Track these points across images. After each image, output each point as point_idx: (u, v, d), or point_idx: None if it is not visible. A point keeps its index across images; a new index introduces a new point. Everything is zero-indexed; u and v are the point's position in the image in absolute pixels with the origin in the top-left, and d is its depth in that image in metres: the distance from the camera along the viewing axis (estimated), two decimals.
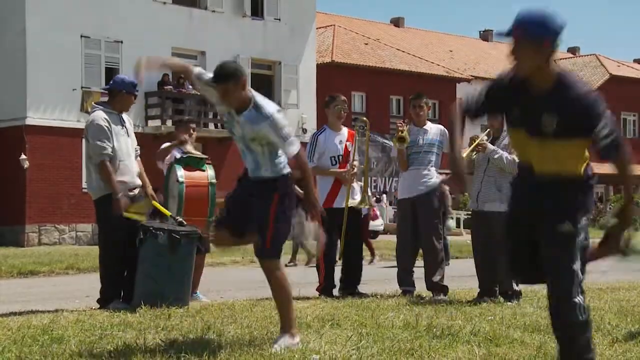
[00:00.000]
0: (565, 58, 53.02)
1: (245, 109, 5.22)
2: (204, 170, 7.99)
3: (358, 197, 8.66)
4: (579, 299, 3.90)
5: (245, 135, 5.27)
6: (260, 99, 5.31)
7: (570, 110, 3.93)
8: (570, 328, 3.98)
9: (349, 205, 8.40)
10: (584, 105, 3.93)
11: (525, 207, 4.18)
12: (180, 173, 7.76)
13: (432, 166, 8.46)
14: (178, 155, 8.20)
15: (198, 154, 8.43)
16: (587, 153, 4.12)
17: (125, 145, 7.43)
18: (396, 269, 8.84)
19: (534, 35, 3.89)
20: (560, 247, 3.96)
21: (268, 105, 5.26)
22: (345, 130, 8.59)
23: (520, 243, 4.23)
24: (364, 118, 9.29)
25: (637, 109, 50.50)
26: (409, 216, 8.58)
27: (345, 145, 8.47)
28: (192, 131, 8.70)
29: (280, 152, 5.33)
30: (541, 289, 8.16)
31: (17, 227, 25.11)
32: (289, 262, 15.40)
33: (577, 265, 3.94)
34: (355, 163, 8.53)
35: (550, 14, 3.92)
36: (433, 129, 8.59)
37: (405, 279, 8.62)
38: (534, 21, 3.90)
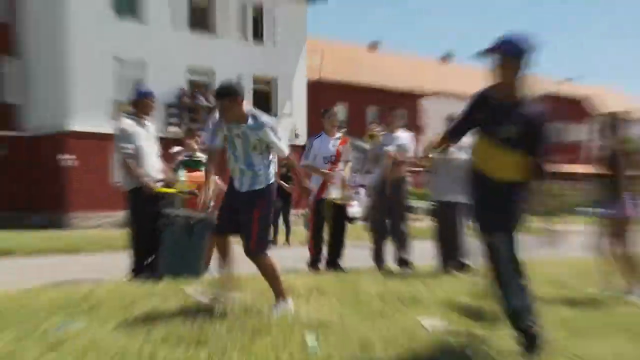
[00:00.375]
0: None
1: (244, 122, 5.24)
2: (201, 170, 8.12)
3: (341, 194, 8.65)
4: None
5: (247, 144, 5.28)
6: (256, 111, 5.34)
7: (528, 123, 3.91)
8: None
9: (333, 200, 8.44)
10: (540, 121, 3.94)
11: (486, 204, 4.13)
12: (182, 173, 8.08)
13: None
14: (180, 158, 8.40)
15: (199, 156, 8.41)
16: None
17: (147, 146, 7.47)
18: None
19: (516, 52, 3.88)
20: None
21: (263, 116, 5.30)
22: (339, 136, 8.63)
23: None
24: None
25: (567, 118, 50.66)
26: (381, 204, 8.64)
27: (338, 149, 8.51)
28: (197, 137, 8.68)
29: (271, 161, 5.36)
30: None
31: (61, 214, 25.14)
32: (284, 243, 15.42)
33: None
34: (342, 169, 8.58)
35: (529, 37, 3.92)
36: (402, 136, 8.66)
37: (378, 256, 8.67)
38: (516, 40, 3.89)
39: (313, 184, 8.38)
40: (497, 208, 3.98)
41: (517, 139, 3.92)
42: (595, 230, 6.58)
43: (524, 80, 3.99)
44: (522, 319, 3.95)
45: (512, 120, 3.93)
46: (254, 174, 5.29)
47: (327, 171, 8.38)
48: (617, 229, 6.42)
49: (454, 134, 4.36)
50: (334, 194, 8.44)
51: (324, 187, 8.40)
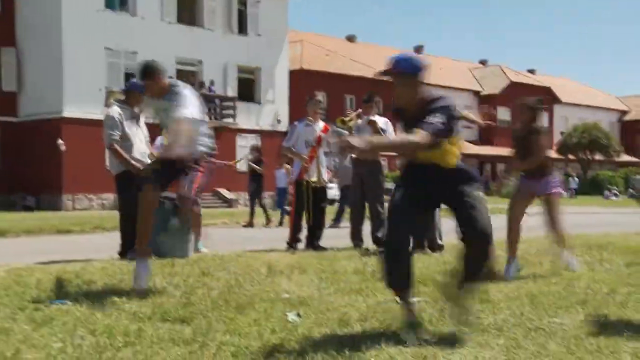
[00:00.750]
0: (477, 68, 53.22)
1: (163, 96, 5.19)
2: None
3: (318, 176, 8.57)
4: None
5: (168, 117, 5.15)
6: (177, 86, 5.24)
7: (442, 115, 3.75)
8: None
9: (314, 181, 8.38)
10: (448, 112, 3.78)
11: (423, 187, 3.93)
12: None
13: None
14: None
15: None
16: (456, 150, 3.91)
17: (136, 132, 7.38)
18: (349, 228, 8.85)
19: (411, 70, 3.79)
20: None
21: (183, 89, 5.20)
22: (321, 124, 8.56)
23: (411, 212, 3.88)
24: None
25: None
26: (359, 188, 8.58)
27: (319, 135, 8.43)
28: None
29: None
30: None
31: (56, 196, 24.91)
32: (265, 224, 15.33)
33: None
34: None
35: (417, 56, 3.95)
36: (379, 121, 8.56)
37: (356, 235, 8.63)
38: (408, 60, 3.83)
39: (294, 167, 8.33)
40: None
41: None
42: (542, 209, 6.59)
43: (423, 92, 3.87)
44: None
45: (417, 120, 3.78)
46: None
47: (305, 156, 8.30)
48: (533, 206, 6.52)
49: None
50: (311, 176, 8.37)
51: (303, 170, 8.34)
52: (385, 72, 3.85)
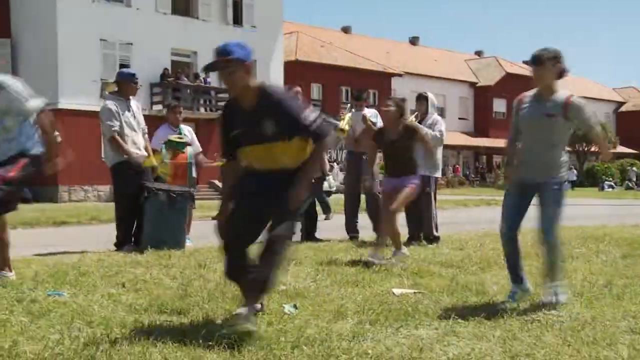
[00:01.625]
0: (472, 59, 53.15)
1: None
2: (184, 152, 8.04)
3: None
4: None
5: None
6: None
7: (276, 113, 3.64)
8: None
9: None
10: (283, 106, 3.67)
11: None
12: (166, 155, 7.98)
13: None
14: (162, 133, 8.27)
15: (184, 137, 8.28)
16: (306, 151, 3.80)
17: (131, 124, 7.35)
18: (344, 220, 8.85)
19: (240, 56, 3.62)
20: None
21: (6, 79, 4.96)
22: None
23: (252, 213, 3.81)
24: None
25: None
26: (354, 180, 8.58)
27: None
28: (179, 113, 8.51)
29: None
30: (460, 235, 8.24)
31: (52, 188, 24.86)
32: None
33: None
34: None
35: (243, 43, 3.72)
36: (370, 113, 8.53)
37: (351, 227, 8.63)
38: (238, 46, 3.66)
39: None
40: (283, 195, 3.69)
41: (280, 129, 3.67)
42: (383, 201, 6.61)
43: (254, 81, 3.71)
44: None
45: (264, 117, 3.66)
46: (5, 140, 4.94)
47: None
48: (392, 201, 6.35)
49: (226, 153, 3.91)
50: None
51: None
52: (217, 63, 3.65)
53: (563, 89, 4.41)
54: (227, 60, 3.62)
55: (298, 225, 3.81)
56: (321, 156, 3.85)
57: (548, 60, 4.32)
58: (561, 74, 4.37)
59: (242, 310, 3.64)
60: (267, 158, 3.78)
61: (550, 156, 4.41)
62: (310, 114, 3.70)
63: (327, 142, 3.77)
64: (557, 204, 4.41)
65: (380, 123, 8.04)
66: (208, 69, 3.77)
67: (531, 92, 4.51)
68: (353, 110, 8.54)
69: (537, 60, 4.34)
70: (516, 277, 4.58)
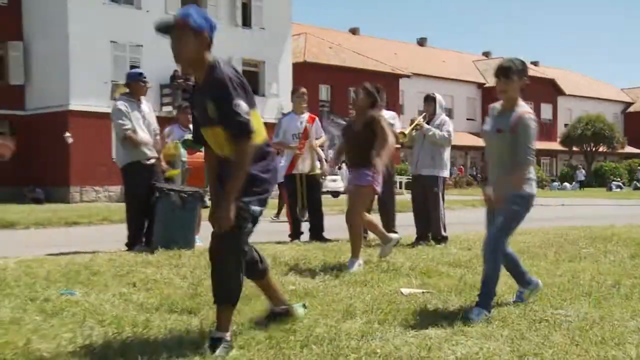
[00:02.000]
0: (480, 60, 52.97)
1: None
2: (201, 150, 8.03)
3: (309, 166, 8.51)
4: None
5: None
6: None
7: (212, 96, 3.28)
8: None
9: (304, 172, 8.33)
10: (217, 91, 3.26)
11: None
12: (184, 153, 8.05)
13: None
14: (178, 134, 8.32)
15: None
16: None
17: (141, 125, 7.37)
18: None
19: (196, 24, 3.27)
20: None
21: None
22: (306, 114, 8.52)
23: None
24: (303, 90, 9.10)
25: (533, 99, 50.78)
26: None
27: (305, 126, 8.40)
28: (190, 114, 8.55)
29: None
30: (468, 235, 8.21)
31: (63, 188, 24.98)
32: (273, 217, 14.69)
33: None
34: (316, 142, 8.46)
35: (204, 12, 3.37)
36: (388, 115, 8.54)
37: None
38: (199, 14, 3.31)
39: (284, 160, 8.32)
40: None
41: (217, 112, 3.29)
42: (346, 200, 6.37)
43: (209, 58, 3.34)
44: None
45: (205, 97, 3.33)
46: None
47: (293, 145, 8.28)
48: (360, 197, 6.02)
49: (195, 137, 3.65)
50: (303, 167, 8.33)
51: (293, 163, 8.31)
52: (169, 24, 3.30)
53: (523, 105, 4.14)
54: (181, 25, 3.28)
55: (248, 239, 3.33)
56: (243, 163, 3.25)
57: (516, 74, 4.09)
58: (524, 87, 4.14)
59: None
60: (215, 143, 3.46)
61: (506, 173, 4.11)
62: (242, 109, 3.25)
63: (245, 146, 3.26)
64: (508, 216, 4.08)
65: (398, 126, 8.02)
66: (159, 29, 3.33)
67: (497, 105, 4.26)
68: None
69: (504, 73, 4.10)
70: (523, 282, 4.48)
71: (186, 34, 3.27)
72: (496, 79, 4.12)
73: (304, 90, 8.53)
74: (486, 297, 4.08)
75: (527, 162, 4.07)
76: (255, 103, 3.43)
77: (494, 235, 4.12)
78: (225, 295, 3.37)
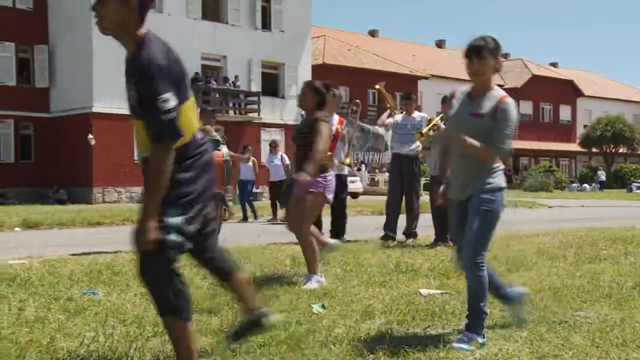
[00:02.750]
0: None
1: None
2: (219, 150, 8.06)
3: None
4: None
5: None
6: None
7: (135, 82, 2.70)
8: None
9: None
10: (140, 77, 2.68)
11: None
12: None
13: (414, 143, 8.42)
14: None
15: (216, 135, 8.34)
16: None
17: None
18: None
19: None
20: None
21: None
22: (336, 117, 8.51)
23: None
24: (357, 101, 9.47)
25: (552, 100, 50.39)
26: (398, 181, 8.60)
27: (337, 128, 8.39)
28: (213, 119, 8.57)
29: None
30: None
31: (86, 189, 25.19)
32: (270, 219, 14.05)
33: None
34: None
35: None
36: (417, 117, 8.56)
37: (390, 227, 8.55)
38: None
39: None
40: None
41: (138, 102, 2.70)
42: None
43: (137, 24, 2.83)
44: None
45: (129, 82, 2.75)
46: None
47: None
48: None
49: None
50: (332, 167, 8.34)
51: None
52: None
53: (498, 88, 3.57)
54: None
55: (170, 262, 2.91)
56: (160, 172, 2.64)
57: (489, 53, 3.44)
58: (498, 68, 3.51)
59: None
60: (138, 141, 2.84)
61: (477, 164, 3.52)
62: (168, 105, 2.64)
63: (164, 152, 2.65)
64: (482, 221, 3.46)
65: (425, 127, 8.02)
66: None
67: (463, 89, 3.65)
68: (402, 111, 8.64)
69: (477, 53, 3.45)
70: (505, 299, 3.85)
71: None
72: (467, 60, 3.48)
73: (338, 92, 8.55)
74: (476, 318, 3.46)
75: (506, 149, 3.52)
76: (190, 92, 2.85)
77: (472, 246, 3.46)
78: (169, 310, 2.91)
